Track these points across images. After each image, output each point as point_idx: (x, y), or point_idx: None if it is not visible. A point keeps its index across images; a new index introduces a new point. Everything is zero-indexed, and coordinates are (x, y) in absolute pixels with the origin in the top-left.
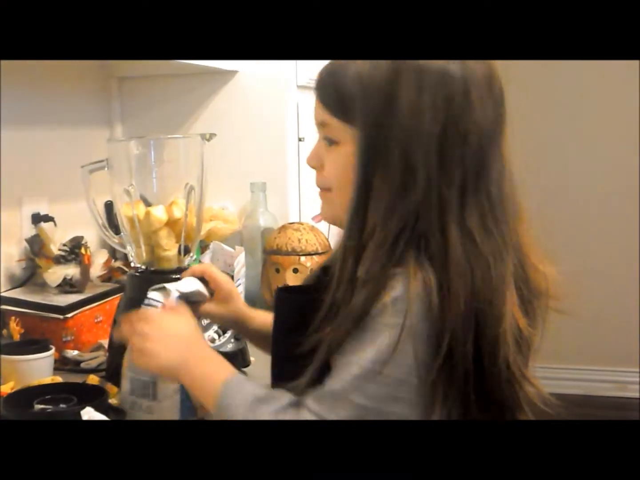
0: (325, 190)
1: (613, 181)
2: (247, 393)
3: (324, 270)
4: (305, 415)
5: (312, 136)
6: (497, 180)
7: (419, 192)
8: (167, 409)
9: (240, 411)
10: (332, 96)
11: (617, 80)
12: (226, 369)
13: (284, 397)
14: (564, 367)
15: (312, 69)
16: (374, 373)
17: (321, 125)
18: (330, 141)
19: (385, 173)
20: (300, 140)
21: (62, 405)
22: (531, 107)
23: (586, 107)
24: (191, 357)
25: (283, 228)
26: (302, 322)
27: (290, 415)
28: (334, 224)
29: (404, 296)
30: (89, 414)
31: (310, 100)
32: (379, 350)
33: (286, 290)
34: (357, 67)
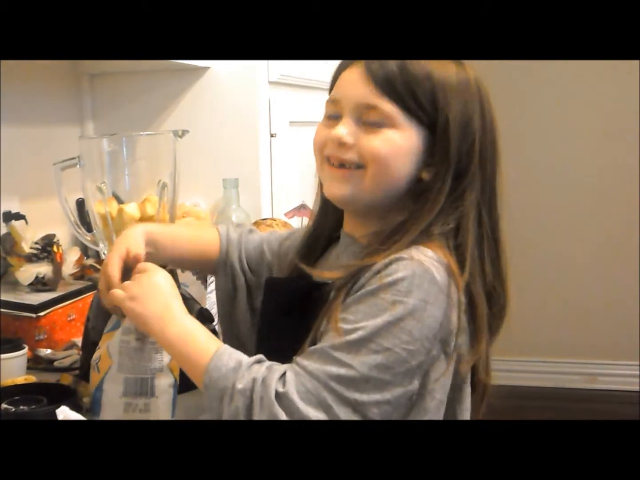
0: (349, 168)
1: (612, 178)
2: (238, 357)
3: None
4: (294, 369)
5: (284, 132)
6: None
7: (480, 186)
8: (163, 405)
9: (231, 375)
10: (399, 86)
11: (615, 77)
12: (213, 341)
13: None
14: (533, 360)
15: (283, 65)
16: (367, 341)
17: (368, 107)
18: (374, 124)
19: (466, 169)
20: (272, 136)
21: (32, 406)
22: (529, 104)
23: (584, 105)
24: (173, 312)
25: (256, 224)
26: (292, 310)
27: (279, 371)
28: (347, 202)
29: (413, 278)
30: (64, 412)
31: (281, 95)
32: (379, 323)
33: (277, 280)
34: (430, 68)
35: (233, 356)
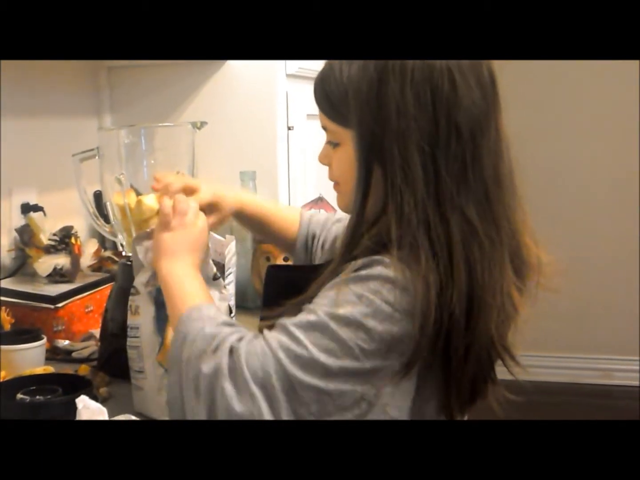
0: (336, 184)
1: (612, 175)
2: (223, 316)
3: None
4: (256, 334)
5: (302, 125)
6: (493, 163)
7: (417, 184)
8: None
9: (207, 321)
10: (325, 102)
11: (615, 73)
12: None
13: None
14: (549, 355)
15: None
16: (324, 326)
17: (324, 129)
18: (332, 144)
19: (384, 169)
20: (289, 129)
21: (47, 396)
22: (529, 100)
23: (585, 99)
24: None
25: None
26: (291, 297)
27: (248, 338)
28: (346, 212)
29: (387, 280)
30: (84, 401)
31: (299, 88)
32: (341, 313)
33: (277, 267)
34: (345, 72)
35: (219, 313)
